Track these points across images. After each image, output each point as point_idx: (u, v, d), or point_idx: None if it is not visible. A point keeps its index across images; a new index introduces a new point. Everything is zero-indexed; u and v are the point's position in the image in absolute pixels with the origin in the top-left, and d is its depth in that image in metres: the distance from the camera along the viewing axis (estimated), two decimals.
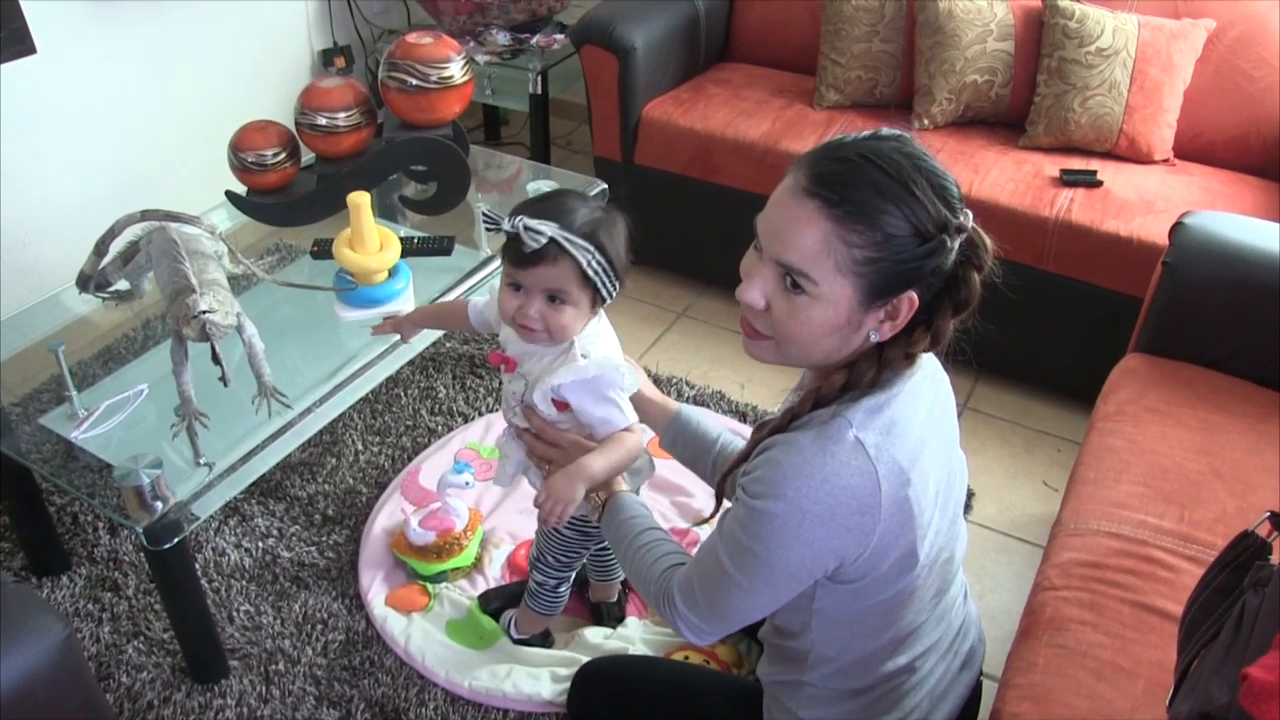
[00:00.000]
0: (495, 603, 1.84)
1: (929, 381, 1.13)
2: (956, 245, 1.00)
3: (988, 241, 1.04)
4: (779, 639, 1.23)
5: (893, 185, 0.97)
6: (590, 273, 1.25)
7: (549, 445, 1.37)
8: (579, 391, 1.32)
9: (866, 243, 0.97)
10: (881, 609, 1.12)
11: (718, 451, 1.44)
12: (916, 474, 1.04)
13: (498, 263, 2.02)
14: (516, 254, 1.25)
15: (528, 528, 2.02)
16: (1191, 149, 2.43)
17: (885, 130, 1.04)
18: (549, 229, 1.23)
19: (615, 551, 1.33)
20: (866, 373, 1.05)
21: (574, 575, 1.68)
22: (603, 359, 1.31)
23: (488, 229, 1.27)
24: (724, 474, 1.20)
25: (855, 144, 1.01)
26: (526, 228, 1.22)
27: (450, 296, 1.94)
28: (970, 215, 1.02)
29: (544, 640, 1.79)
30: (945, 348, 1.07)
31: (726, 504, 1.18)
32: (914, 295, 1.01)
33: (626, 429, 1.35)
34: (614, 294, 1.31)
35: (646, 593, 1.24)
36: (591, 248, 1.25)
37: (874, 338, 1.04)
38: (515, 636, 1.77)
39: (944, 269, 1.00)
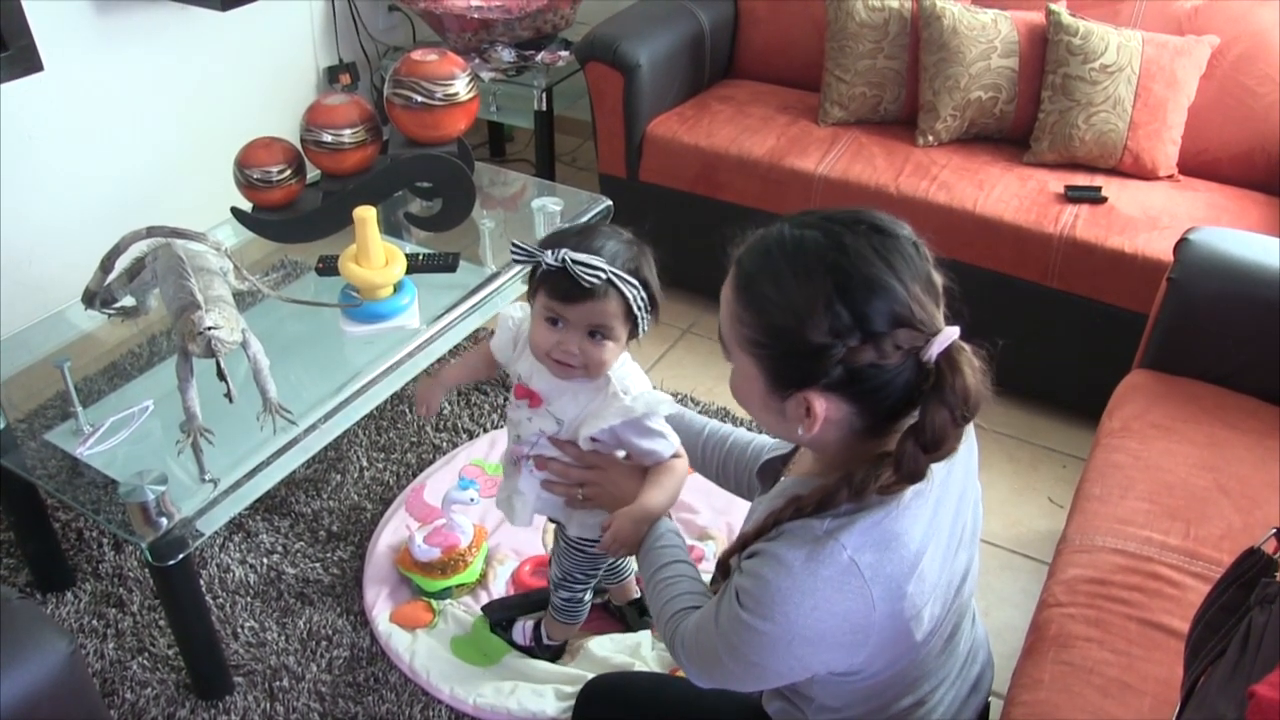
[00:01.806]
0: (499, 613, 1.84)
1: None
2: (868, 357, 0.91)
3: (969, 381, 0.92)
4: (784, 685, 1.22)
5: (790, 278, 0.93)
6: (635, 308, 1.24)
7: (586, 470, 1.36)
8: (626, 429, 1.31)
9: (754, 325, 0.95)
10: (884, 677, 1.11)
11: (705, 439, 1.44)
12: (913, 583, 1.00)
13: (502, 279, 2.03)
14: (562, 289, 1.22)
15: (532, 543, 2.02)
16: (1196, 165, 2.43)
17: (873, 215, 0.96)
18: (605, 267, 1.20)
19: (641, 574, 1.33)
20: (839, 495, 0.97)
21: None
22: (645, 395, 1.30)
23: (516, 260, 1.23)
24: (723, 560, 1.15)
25: (799, 221, 0.96)
26: (575, 262, 1.19)
27: (455, 312, 1.94)
28: (940, 341, 0.92)
29: (558, 652, 1.79)
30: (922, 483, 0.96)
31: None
32: (817, 399, 0.94)
33: (674, 455, 1.34)
34: (648, 329, 1.29)
35: (658, 624, 1.24)
36: (638, 283, 1.24)
37: (800, 432, 0.98)
38: (547, 643, 1.77)
39: (864, 380, 0.93)
